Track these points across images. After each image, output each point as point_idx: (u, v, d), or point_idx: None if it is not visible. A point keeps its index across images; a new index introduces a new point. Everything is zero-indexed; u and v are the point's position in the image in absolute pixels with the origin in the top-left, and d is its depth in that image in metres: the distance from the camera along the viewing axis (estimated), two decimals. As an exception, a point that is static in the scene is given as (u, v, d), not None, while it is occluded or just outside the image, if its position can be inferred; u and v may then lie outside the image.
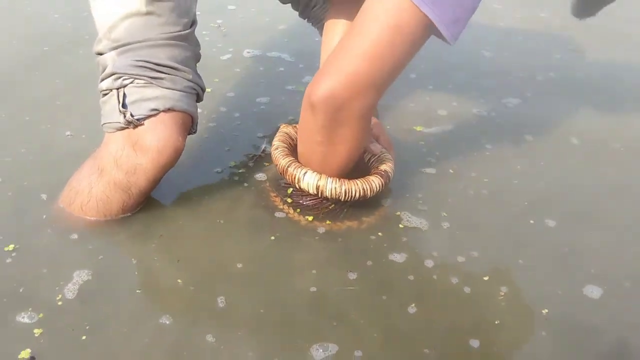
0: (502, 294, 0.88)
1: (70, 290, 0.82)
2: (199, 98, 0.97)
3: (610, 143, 1.26)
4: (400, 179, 1.07)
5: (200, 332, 0.78)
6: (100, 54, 0.91)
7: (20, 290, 0.82)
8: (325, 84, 0.88)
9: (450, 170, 1.14)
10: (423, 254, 0.94)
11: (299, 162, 0.99)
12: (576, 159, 1.21)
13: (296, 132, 1.03)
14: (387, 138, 1.09)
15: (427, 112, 1.33)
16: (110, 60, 0.89)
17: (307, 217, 0.99)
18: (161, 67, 0.89)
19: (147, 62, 0.88)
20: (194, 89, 0.94)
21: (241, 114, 1.25)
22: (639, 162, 1.22)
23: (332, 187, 0.95)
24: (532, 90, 1.46)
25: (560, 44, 1.73)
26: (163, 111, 0.90)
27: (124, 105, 0.89)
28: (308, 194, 0.98)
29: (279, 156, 0.99)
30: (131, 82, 0.89)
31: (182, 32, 0.91)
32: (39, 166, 1.06)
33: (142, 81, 0.89)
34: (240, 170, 1.09)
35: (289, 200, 1.01)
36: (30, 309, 0.79)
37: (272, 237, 0.95)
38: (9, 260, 0.86)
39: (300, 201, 1.01)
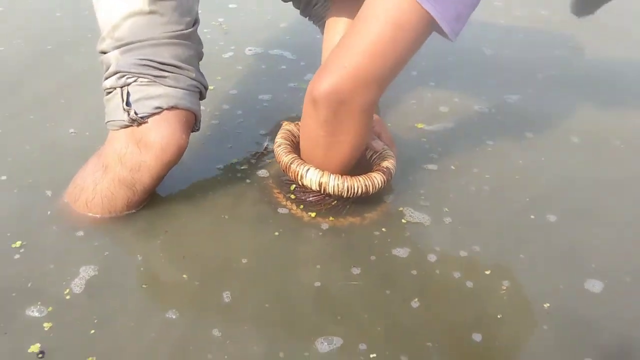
0: (504, 288, 0.89)
1: (78, 285, 0.83)
2: (201, 96, 0.98)
3: (610, 139, 1.27)
4: (402, 175, 1.08)
5: (206, 327, 0.79)
6: (104, 52, 0.92)
7: (29, 285, 0.83)
8: (328, 80, 0.88)
9: (452, 167, 1.14)
10: (426, 249, 0.95)
11: (301, 159, 1.00)
12: (577, 155, 1.22)
13: (298, 130, 1.04)
14: (389, 135, 1.10)
15: (428, 109, 1.34)
16: (114, 59, 0.90)
17: (310, 213, 1.00)
18: (164, 65, 0.90)
19: (150, 60, 0.89)
20: (197, 87, 0.95)
21: (244, 112, 1.26)
22: (639, 158, 1.22)
23: (335, 183, 0.96)
24: (533, 87, 1.47)
25: (561, 41, 1.73)
26: (167, 109, 0.90)
27: (127, 104, 0.89)
28: (311, 191, 0.99)
29: (282, 153, 1.00)
30: (135, 81, 0.89)
31: (185, 31, 0.92)
32: (43, 164, 1.07)
33: (146, 80, 0.89)
34: (242, 167, 1.10)
35: (292, 196, 1.02)
36: (39, 302, 0.80)
37: (276, 233, 0.95)
38: (17, 257, 0.87)
39: (303, 197, 1.02)
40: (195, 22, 0.94)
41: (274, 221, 0.98)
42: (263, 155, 1.13)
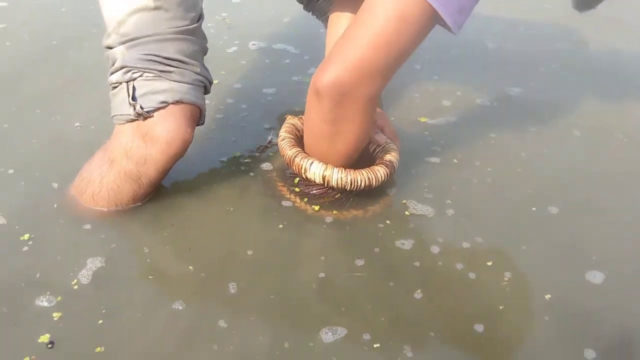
0: (506, 279, 0.90)
1: (85, 277, 0.85)
2: (206, 90, 0.99)
3: (612, 132, 1.28)
4: (405, 168, 1.09)
5: (212, 318, 0.80)
6: (110, 48, 0.93)
7: (37, 276, 0.84)
8: (331, 71, 0.89)
9: (455, 160, 1.15)
10: (428, 241, 0.95)
11: (305, 153, 1.00)
12: (579, 148, 1.23)
13: (302, 123, 1.05)
14: (392, 129, 1.10)
15: (431, 102, 1.34)
16: (120, 54, 0.91)
17: (314, 206, 1.01)
18: (170, 60, 0.91)
19: (156, 56, 0.90)
20: (202, 82, 0.96)
21: (248, 106, 1.27)
22: (640, 151, 1.23)
23: (338, 176, 0.97)
24: (535, 81, 1.47)
25: (564, 34, 1.73)
26: (172, 103, 0.91)
27: (133, 98, 0.90)
28: (314, 184, 1.00)
29: (286, 147, 1.01)
30: (140, 76, 0.90)
31: (190, 26, 0.92)
32: (49, 157, 1.08)
33: (152, 74, 0.90)
34: (246, 161, 1.10)
35: (296, 189, 1.03)
36: (48, 292, 0.82)
37: (280, 226, 0.96)
38: (25, 249, 0.88)
39: (307, 190, 1.03)
40: (200, 18, 0.95)
41: (278, 214, 0.99)
42: (267, 149, 1.14)
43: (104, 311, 0.80)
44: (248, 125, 1.21)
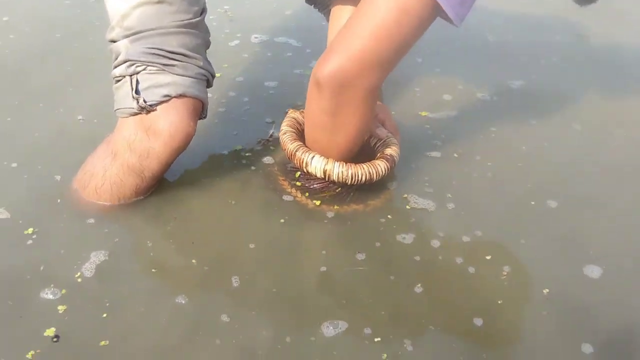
0: (505, 273, 0.90)
1: (88, 270, 0.85)
2: (209, 84, 0.99)
3: (613, 126, 1.28)
4: (406, 162, 1.09)
5: (215, 311, 0.81)
6: (113, 41, 0.93)
7: (41, 269, 0.85)
8: (332, 62, 0.89)
9: (455, 154, 1.16)
10: (429, 235, 0.96)
11: (306, 147, 1.01)
12: (579, 142, 1.23)
13: (304, 117, 1.05)
14: (393, 123, 1.11)
15: (432, 96, 1.34)
16: (123, 47, 0.91)
17: (315, 201, 1.01)
18: (173, 54, 0.91)
19: (159, 49, 0.90)
20: (205, 75, 0.96)
21: (250, 99, 1.27)
22: (640, 145, 1.24)
23: (339, 170, 0.97)
24: (536, 75, 1.47)
25: (565, 28, 1.73)
26: (175, 97, 0.92)
27: (137, 92, 0.91)
28: (315, 178, 1.01)
29: (287, 141, 1.02)
30: (144, 69, 0.91)
31: (193, 20, 0.93)
32: (52, 150, 1.08)
33: (155, 68, 0.91)
34: (248, 154, 1.11)
35: (298, 183, 1.04)
36: (52, 285, 0.83)
37: (282, 220, 0.97)
38: (29, 242, 0.89)
39: (308, 184, 1.03)
40: (203, 11, 0.96)
41: (280, 208, 0.99)
42: (268, 143, 1.14)
43: (107, 305, 0.81)
44: (250, 119, 1.21)
